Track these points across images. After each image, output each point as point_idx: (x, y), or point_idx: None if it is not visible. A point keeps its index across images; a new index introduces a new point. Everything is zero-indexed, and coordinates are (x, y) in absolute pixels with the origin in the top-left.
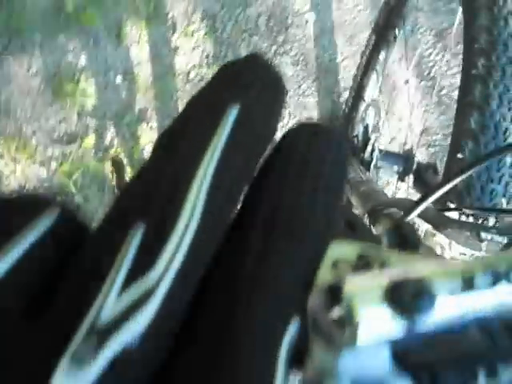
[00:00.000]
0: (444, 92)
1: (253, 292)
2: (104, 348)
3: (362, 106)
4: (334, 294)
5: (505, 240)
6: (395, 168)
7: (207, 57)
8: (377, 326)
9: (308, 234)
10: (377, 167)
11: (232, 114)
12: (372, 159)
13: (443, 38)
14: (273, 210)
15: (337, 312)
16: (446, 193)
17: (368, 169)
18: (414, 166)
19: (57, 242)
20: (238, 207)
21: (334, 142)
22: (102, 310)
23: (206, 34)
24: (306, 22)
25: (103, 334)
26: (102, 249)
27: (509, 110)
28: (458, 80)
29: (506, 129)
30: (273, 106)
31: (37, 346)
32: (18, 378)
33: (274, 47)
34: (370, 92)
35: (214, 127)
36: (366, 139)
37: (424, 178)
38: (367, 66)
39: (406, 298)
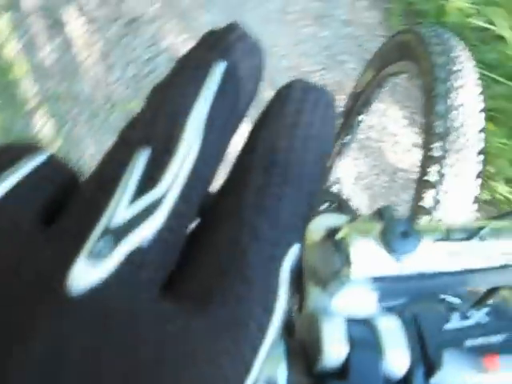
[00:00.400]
0: (362, 136)
1: (255, 217)
2: (119, 245)
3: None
4: (331, 235)
5: None
6: None
7: None
8: (369, 262)
9: (302, 172)
10: None
11: (220, 67)
12: None
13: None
14: (270, 151)
15: (333, 255)
16: None
17: None
18: None
19: (54, 172)
20: (239, 151)
21: (323, 97)
22: (115, 214)
23: None
24: None
25: (118, 233)
26: (109, 168)
27: None
28: (372, 121)
29: None
30: (254, 67)
31: (53, 247)
32: (37, 277)
33: None
34: (334, 174)
35: (205, 76)
36: None
37: None
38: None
39: (396, 235)
